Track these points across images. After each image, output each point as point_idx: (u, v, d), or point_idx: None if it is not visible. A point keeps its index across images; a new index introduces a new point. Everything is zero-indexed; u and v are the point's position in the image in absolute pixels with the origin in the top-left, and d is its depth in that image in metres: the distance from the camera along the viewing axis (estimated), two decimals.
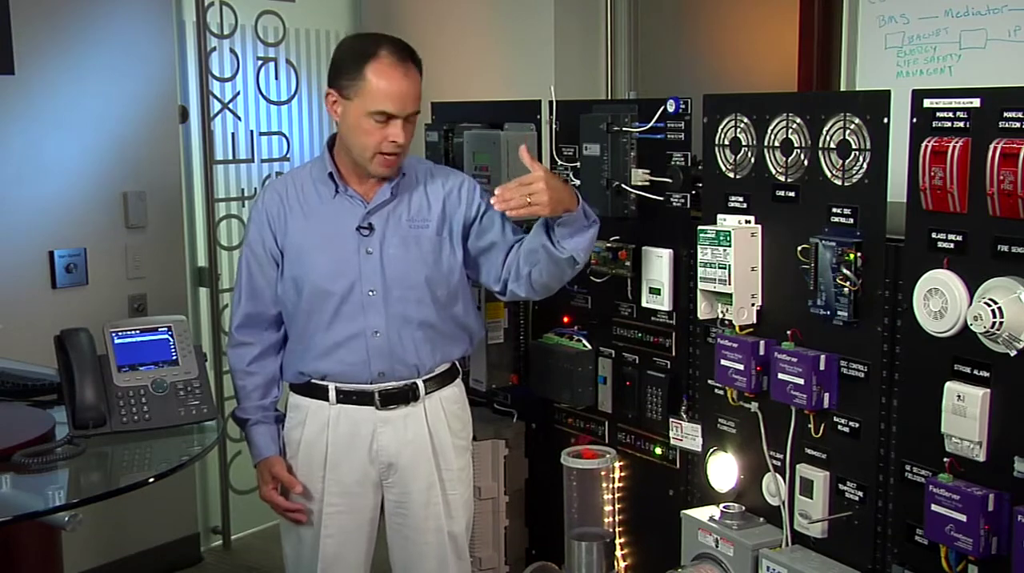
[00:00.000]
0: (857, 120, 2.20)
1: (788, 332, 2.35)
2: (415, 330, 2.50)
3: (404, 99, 2.38)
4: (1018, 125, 1.89)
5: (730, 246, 2.37)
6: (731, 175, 2.48)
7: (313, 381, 2.53)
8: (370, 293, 2.45)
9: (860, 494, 2.27)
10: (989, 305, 1.90)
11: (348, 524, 2.56)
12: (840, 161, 2.24)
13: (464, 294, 2.59)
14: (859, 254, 2.19)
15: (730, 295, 2.40)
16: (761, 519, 2.48)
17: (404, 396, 2.51)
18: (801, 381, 2.28)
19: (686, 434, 2.66)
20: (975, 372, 1.99)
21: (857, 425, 2.26)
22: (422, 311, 2.50)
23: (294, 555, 2.63)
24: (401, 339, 2.48)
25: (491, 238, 2.54)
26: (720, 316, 2.47)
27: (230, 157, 4.15)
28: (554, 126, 2.94)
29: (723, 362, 2.45)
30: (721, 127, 2.50)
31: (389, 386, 2.50)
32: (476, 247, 2.56)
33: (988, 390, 1.97)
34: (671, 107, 2.59)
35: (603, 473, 2.74)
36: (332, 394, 2.51)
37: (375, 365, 2.48)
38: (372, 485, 2.56)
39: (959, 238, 2.01)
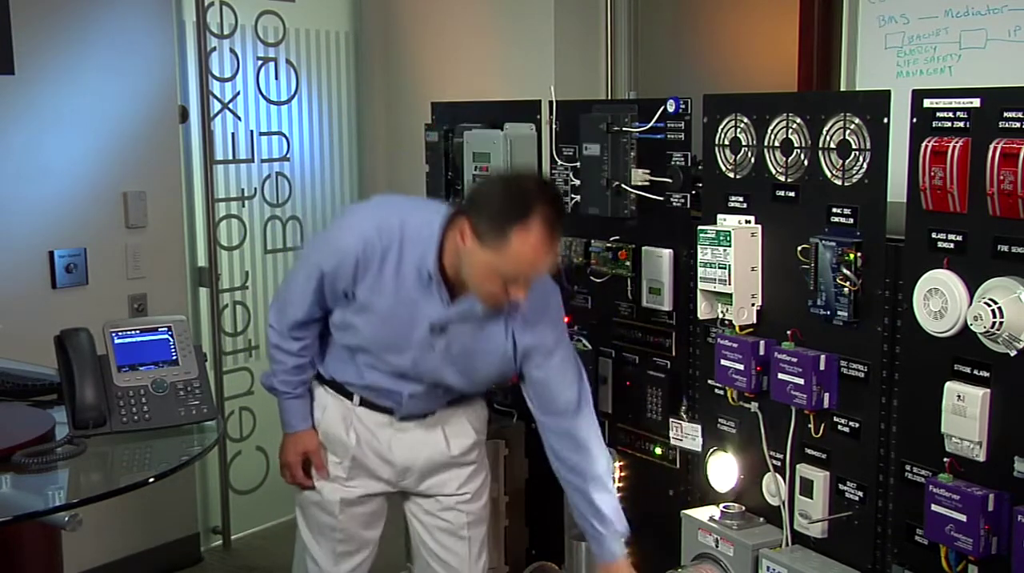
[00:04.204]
0: (857, 120, 2.20)
1: (788, 332, 2.35)
2: (447, 394, 2.54)
3: (539, 270, 2.27)
4: (1018, 125, 1.89)
5: (730, 246, 2.37)
6: (731, 175, 2.48)
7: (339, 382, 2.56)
8: (417, 376, 2.46)
9: (860, 494, 2.27)
10: (989, 305, 1.90)
11: (359, 495, 2.59)
12: (840, 161, 2.24)
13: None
14: (859, 254, 2.19)
15: (730, 295, 2.40)
16: (761, 519, 2.48)
17: (422, 415, 2.55)
18: (801, 381, 2.28)
19: (686, 434, 2.67)
20: (975, 372, 1.99)
21: (857, 425, 2.26)
22: (460, 391, 2.55)
23: (311, 523, 2.63)
24: (431, 399, 2.53)
25: (537, 378, 2.47)
26: (720, 316, 2.47)
27: (230, 157, 4.15)
28: (554, 126, 2.94)
29: (723, 362, 2.45)
30: (721, 127, 2.50)
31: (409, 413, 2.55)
32: (524, 371, 2.51)
33: (988, 390, 1.97)
34: (671, 107, 2.59)
35: None
36: (356, 398, 2.54)
37: (402, 412, 2.52)
38: (389, 474, 2.58)
39: (959, 238, 2.01)
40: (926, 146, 2.02)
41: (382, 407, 2.52)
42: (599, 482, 2.46)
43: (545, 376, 2.45)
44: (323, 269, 2.35)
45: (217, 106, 4.06)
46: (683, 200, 2.61)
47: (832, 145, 2.26)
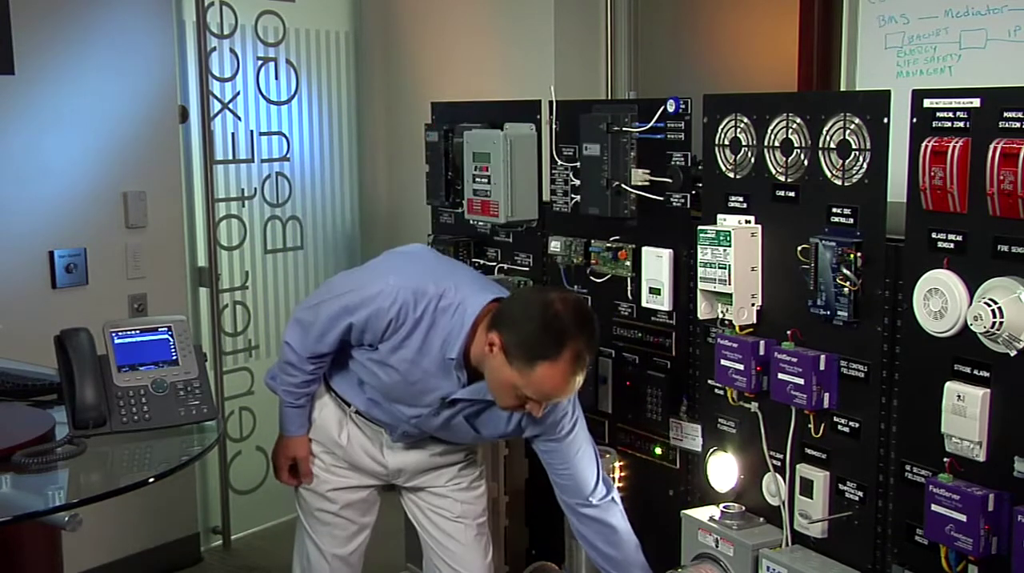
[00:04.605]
0: (857, 120, 2.20)
1: (788, 332, 2.35)
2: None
3: (561, 397, 2.28)
4: (1018, 125, 1.89)
5: (730, 246, 2.37)
6: (731, 175, 2.48)
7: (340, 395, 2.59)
8: (416, 427, 2.49)
9: (860, 494, 2.27)
10: (989, 305, 1.90)
11: (355, 483, 2.62)
12: (840, 161, 2.24)
13: None
14: (859, 254, 2.19)
15: (730, 295, 2.40)
16: (761, 519, 2.48)
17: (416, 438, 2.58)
18: (801, 381, 2.28)
19: (686, 434, 2.67)
20: (975, 372, 1.99)
21: (857, 425, 2.26)
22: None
23: (308, 511, 2.66)
24: (426, 438, 2.56)
25: (547, 449, 2.49)
26: (720, 316, 2.47)
27: (230, 157, 4.15)
28: (554, 126, 2.94)
29: (723, 362, 2.45)
30: (721, 127, 2.50)
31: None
32: (534, 445, 2.53)
33: (988, 390, 1.97)
34: (671, 107, 2.59)
35: None
36: (353, 407, 2.56)
37: (394, 437, 2.55)
38: (380, 473, 2.61)
39: (959, 238, 2.01)
40: (926, 146, 2.02)
41: (377, 422, 2.55)
42: (638, 563, 2.50)
43: (555, 449, 2.47)
44: (352, 321, 2.35)
45: (217, 106, 4.06)
46: (683, 200, 2.61)
47: (832, 145, 2.26)
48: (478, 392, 2.35)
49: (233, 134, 4.15)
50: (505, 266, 3.19)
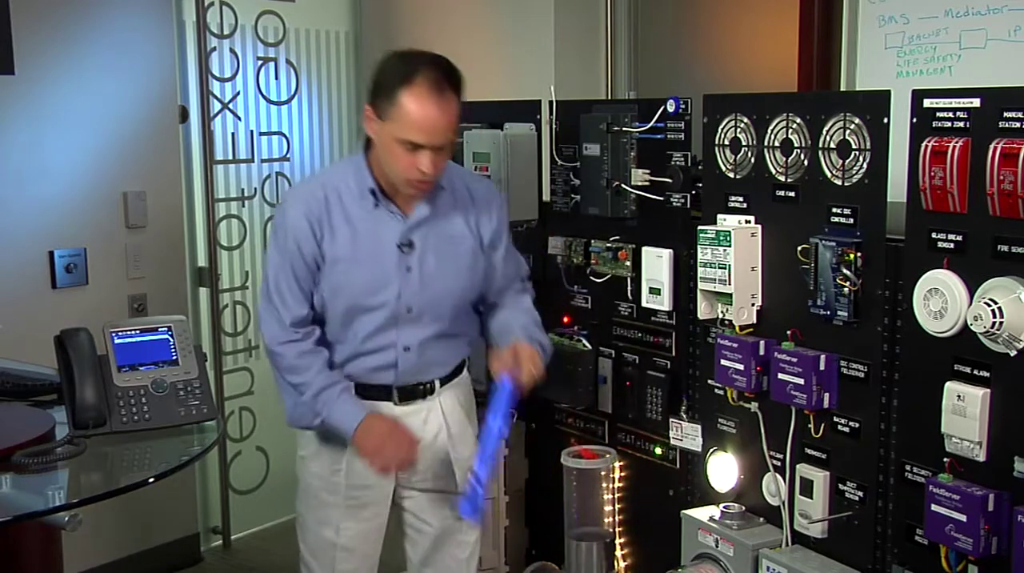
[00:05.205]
0: (857, 120, 2.20)
1: (788, 332, 2.36)
2: (441, 342, 2.50)
3: (434, 131, 2.28)
4: (1018, 125, 1.89)
5: (730, 246, 2.37)
6: (731, 175, 2.49)
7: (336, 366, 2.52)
8: (407, 311, 2.43)
9: (860, 494, 2.27)
10: (989, 305, 1.90)
11: (366, 514, 2.54)
12: (840, 161, 2.24)
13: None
14: (859, 254, 2.19)
15: (730, 295, 2.40)
16: (761, 519, 2.48)
17: (422, 392, 2.50)
18: (801, 381, 2.28)
19: (686, 434, 2.67)
20: (975, 372, 2.00)
21: (857, 425, 2.26)
22: (451, 324, 2.50)
23: (310, 542, 2.60)
24: (429, 354, 2.49)
25: (490, 261, 2.53)
26: (720, 316, 2.47)
27: (230, 157, 4.14)
28: (554, 126, 2.95)
29: (723, 362, 2.45)
30: (721, 127, 2.50)
31: (407, 383, 2.50)
32: None
33: (988, 390, 1.97)
34: (671, 107, 2.59)
35: (603, 473, 2.75)
36: (352, 389, 2.49)
37: (400, 377, 2.47)
38: (392, 476, 2.55)
39: (959, 238, 2.01)
40: (926, 146, 2.02)
41: (379, 386, 2.48)
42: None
43: (499, 259, 2.51)
44: (290, 247, 2.41)
45: (217, 106, 4.06)
46: (683, 200, 2.61)
47: (832, 145, 2.26)
48: (418, 217, 2.40)
49: (233, 134, 4.15)
50: None
